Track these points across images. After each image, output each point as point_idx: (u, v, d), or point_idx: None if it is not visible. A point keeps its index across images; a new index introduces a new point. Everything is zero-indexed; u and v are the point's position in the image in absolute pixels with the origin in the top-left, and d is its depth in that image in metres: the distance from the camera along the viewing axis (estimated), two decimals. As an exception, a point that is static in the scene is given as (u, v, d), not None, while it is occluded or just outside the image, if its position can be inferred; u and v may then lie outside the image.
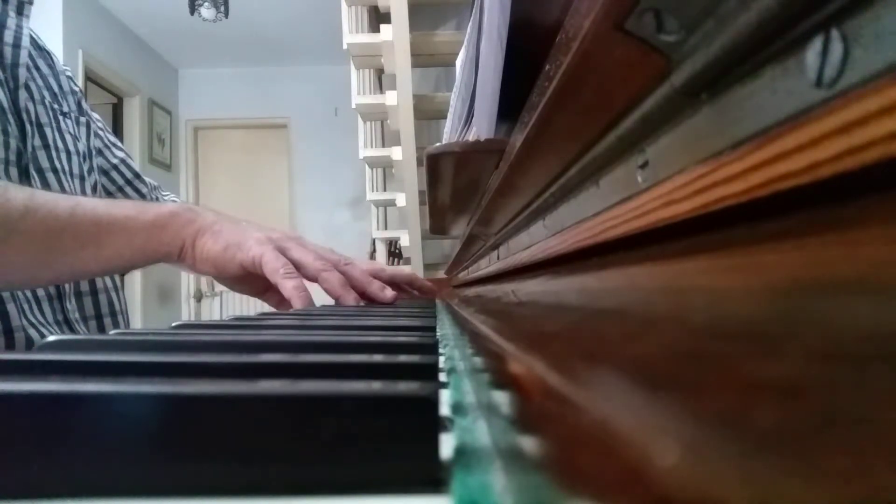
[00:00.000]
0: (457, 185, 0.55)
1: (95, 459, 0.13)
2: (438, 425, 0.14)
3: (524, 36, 0.41)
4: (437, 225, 0.84)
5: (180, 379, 0.15)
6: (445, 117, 0.81)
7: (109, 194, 0.80)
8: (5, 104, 0.62)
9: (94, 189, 0.75)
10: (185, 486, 0.13)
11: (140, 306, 3.88)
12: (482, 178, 0.48)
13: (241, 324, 0.36)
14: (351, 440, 0.13)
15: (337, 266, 0.65)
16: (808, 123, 0.11)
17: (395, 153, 2.09)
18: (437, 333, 0.39)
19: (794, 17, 0.11)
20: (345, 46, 2.35)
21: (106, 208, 0.57)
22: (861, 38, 0.10)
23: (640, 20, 0.15)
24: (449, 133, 0.64)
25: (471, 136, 0.44)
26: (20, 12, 0.67)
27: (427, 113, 2.19)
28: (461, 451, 0.14)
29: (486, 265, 0.71)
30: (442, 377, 0.24)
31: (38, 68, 0.70)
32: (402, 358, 0.20)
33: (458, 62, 0.68)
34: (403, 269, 0.78)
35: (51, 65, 0.73)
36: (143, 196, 0.83)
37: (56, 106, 0.70)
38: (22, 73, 0.65)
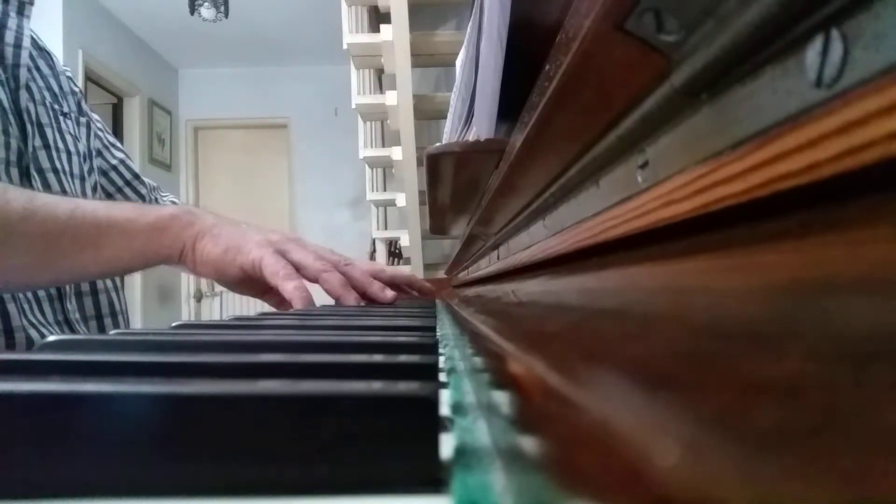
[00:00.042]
0: (457, 185, 0.55)
1: (96, 459, 0.13)
2: (438, 425, 0.14)
3: (524, 36, 0.41)
4: (437, 225, 0.84)
5: (180, 379, 0.15)
6: (445, 117, 0.81)
7: (109, 195, 0.80)
8: (6, 104, 0.62)
9: (95, 189, 0.75)
10: (185, 486, 0.13)
11: (140, 306, 3.88)
12: (482, 178, 0.48)
13: (241, 324, 0.36)
14: (351, 440, 0.13)
15: (337, 266, 0.65)
16: (808, 123, 0.11)
17: (395, 153, 2.09)
18: (437, 333, 0.39)
19: (794, 17, 0.11)
20: (345, 46, 2.35)
21: (106, 211, 0.57)
22: (861, 38, 0.10)
23: (640, 20, 0.15)
24: (449, 133, 0.64)
25: (471, 136, 0.44)
26: (21, 13, 0.67)
27: (427, 113, 2.19)
28: (461, 451, 0.14)
29: (486, 265, 0.71)
30: (442, 377, 0.24)
31: (38, 69, 0.70)
32: (402, 358, 0.20)
33: (458, 62, 0.68)
34: (403, 271, 0.78)
35: (51, 65, 0.73)
36: (142, 197, 0.83)
37: (56, 106, 0.71)
38: (23, 74, 0.65)
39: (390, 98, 2.05)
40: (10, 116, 0.62)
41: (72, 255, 0.54)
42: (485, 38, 0.42)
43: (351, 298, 0.64)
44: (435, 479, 0.13)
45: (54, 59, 0.75)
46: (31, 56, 0.68)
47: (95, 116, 0.81)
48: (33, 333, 0.59)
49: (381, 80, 2.57)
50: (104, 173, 0.80)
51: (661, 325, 0.15)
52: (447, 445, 0.15)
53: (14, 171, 0.61)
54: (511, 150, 0.34)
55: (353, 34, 2.37)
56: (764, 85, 0.12)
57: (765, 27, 0.12)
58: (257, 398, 0.14)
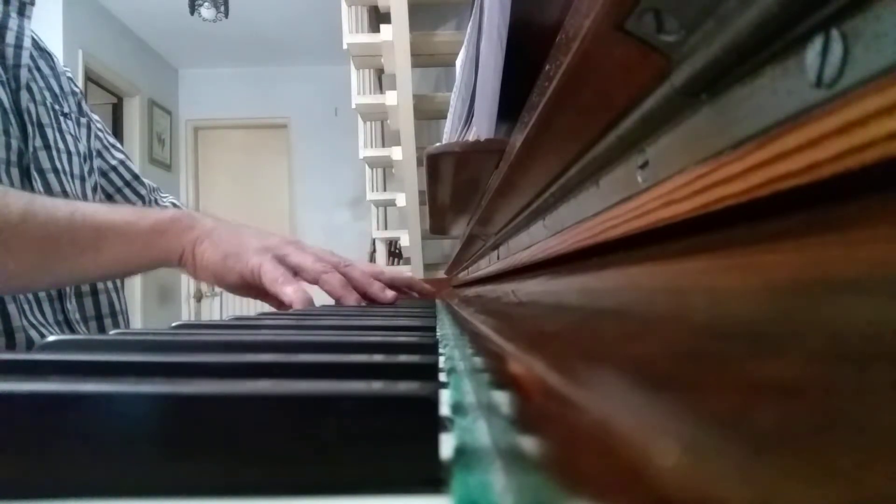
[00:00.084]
0: (457, 185, 0.55)
1: (95, 459, 0.13)
2: (438, 425, 0.14)
3: (524, 36, 0.41)
4: (437, 225, 0.84)
5: (180, 379, 0.15)
6: (445, 117, 0.81)
7: (108, 196, 0.80)
8: (7, 105, 0.62)
9: (95, 190, 0.75)
10: (185, 486, 0.13)
11: (140, 306, 3.88)
12: (482, 178, 0.48)
13: (240, 324, 0.36)
14: (351, 440, 0.13)
15: (337, 268, 0.65)
16: (808, 123, 0.11)
17: (395, 153, 2.09)
18: (437, 333, 0.39)
19: (794, 17, 0.11)
20: (345, 46, 2.35)
21: (105, 214, 0.57)
22: (861, 38, 0.10)
23: (640, 20, 0.15)
24: (449, 133, 0.64)
25: (471, 136, 0.44)
26: (22, 13, 0.67)
27: (427, 113, 2.19)
28: (461, 451, 0.14)
29: (486, 265, 0.71)
30: (442, 377, 0.24)
31: (39, 69, 0.70)
32: (402, 358, 0.20)
33: (458, 62, 0.68)
34: (403, 273, 0.78)
35: (52, 66, 0.73)
36: (141, 198, 0.83)
37: (57, 107, 0.71)
38: (23, 74, 0.65)
39: (390, 98, 2.05)
40: (11, 117, 0.62)
41: (71, 259, 0.54)
42: (485, 38, 0.42)
43: (351, 299, 0.64)
44: (435, 479, 0.13)
45: (55, 59, 0.75)
46: (31, 56, 0.68)
47: (95, 117, 0.81)
48: (33, 334, 0.59)
49: (381, 80, 2.57)
50: (104, 174, 0.80)
51: (661, 325, 0.15)
52: (447, 445, 0.15)
53: (14, 172, 0.62)
54: (511, 150, 0.34)
55: (353, 34, 2.37)
56: (764, 85, 0.12)
57: (765, 27, 0.12)
58: (257, 398, 0.14)
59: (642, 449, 0.09)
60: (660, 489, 0.08)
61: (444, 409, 0.19)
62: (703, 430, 0.09)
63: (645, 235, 0.19)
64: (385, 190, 2.90)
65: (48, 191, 0.65)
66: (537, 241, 0.38)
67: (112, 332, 0.28)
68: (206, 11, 3.44)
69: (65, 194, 0.66)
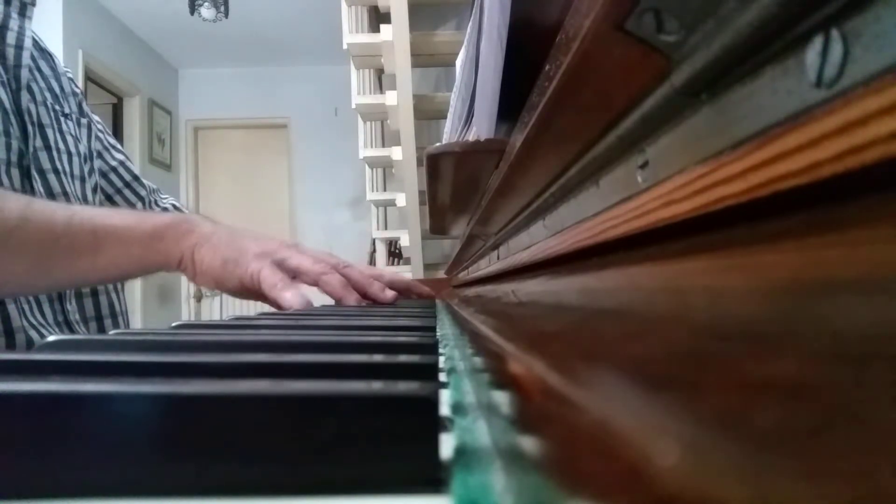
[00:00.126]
0: (457, 185, 0.55)
1: (95, 459, 0.13)
2: (438, 425, 0.14)
3: (524, 36, 0.41)
4: (437, 225, 0.84)
5: (180, 379, 0.15)
6: (445, 117, 0.81)
7: (108, 196, 0.80)
8: (7, 105, 0.62)
9: (95, 191, 0.75)
10: (185, 486, 0.13)
11: (140, 306, 3.88)
12: (482, 178, 0.48)
13: (240, 324, 0.36)
14: (351, 440, 0.13)
15: (336, 269, 0.65)
16: (808, 123, 0.11)
17: (395, 153, 2.09)
18: (437, 333, 0.39)
19: (794, 17, 0.11)
20: (345, 46, 2.35)
21: (103, 218, 0.57)
22: (861, 38, 0.10)
23: (640, 20, 0.15)
24: (449, 133, 0.64)
25: (471, 136, 0.44)
26: (22, 14, 0.67)
27: (427, 113, 2.19)
28: (461, 451, 0.14)
29: (486, 265, 0.71)
30: (442, 377, 0.24)
31: (39, 70, 0.70)
32: (402, 358, 0.20)
33: (458, 62, 0.68)
34: (402, 275, 0.79)
35: (52, 66, 0.73)
36: (141, 199, 0.83)
37: (57, 107, 0.71)
38: (24, 75, 0.65)
39: (390, 98, 2.05)
40: (12, 117, 0.62)
41: (68, 263, 0.54)
42: (485, 38, 0.42)
43: (352, 299, 0.64)
44: (435, 479, 0.13)
45: (55, 60, 0.75)
46: (32, 57, 0.68)
47: (96, 118, 0.81)
48: (33, 335, 0.59)
49: (381, 80, 2.57)
50: (104, 175, 0.80)
51: (661, 325, 0.15)
52: (447, 445, 0.15)
53: (15, 172, 0.61)
54: (511, 150, 0.34)
55: (353, 34, 2.37)
56: (764, 85, 0.12)
57: (765, 27, 0.12)
58: (257, 398, 0.14)
59: (642, 449, 0.09)
60: (660, 489, 0.08)
61: (444, 409, 0.19)
62: (702, 430, 0.09)
63: (645, 235, 0.19)
64: (385, 190, 2.90)
65: (48, 191, 0.65)
66: (537, 241, 0.38)
67: (112, 332, 0.28)
68: (206, 11, 3.44)
69: (65, 195, 0.66)
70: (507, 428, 0.16)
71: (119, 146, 0.85)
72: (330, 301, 0.66)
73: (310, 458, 0.13)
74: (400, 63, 1.97)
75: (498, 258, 0.60)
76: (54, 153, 0.67)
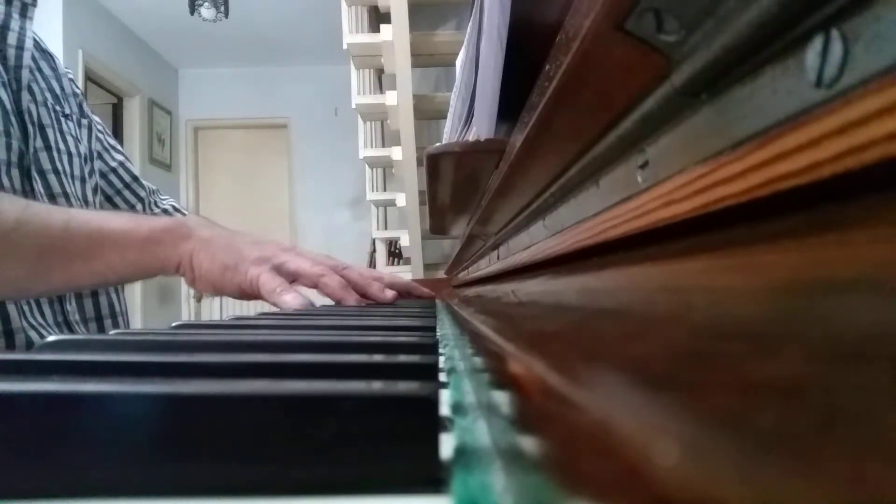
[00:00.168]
0: (457, 185, 0.55)
1: (95, 459, 0.13)
2: (438, 425, 0.14)
3: (524, 36, 0.41)
4: (437, 225, 0.84)
5: (180, 379, 0.15)
6: (445, 117, 0.81)
7: (108, 197, 0.80)
8: (8, 106, 0.62)
9: (95, 191, 0.75)
10: (185, 486, 0.13)
11: (140, 306, 3.88)
12: (482, 178, 0.48)
13: (240, 324, 0.36)
14: (351, 440, 0.13)
15: (335, 270, 0.65)
16: (808, 123, 0.11)
17: (395, 153, 2.09)
18: (437, 333, 0.39)
19: (794, 17, 0.11)
20: (345, 46, 2.35)
21: (100, 222, 0.57)
22: (861, 38, 0.10)
23: (640, 20, 0.15)
24: (449, 133, 0.64)
25: (471, 136, 0.44)
26: (23, 14, 0.67)
27: (427, 113, 2.19)
28: (461, 451, 0.14)
29: (486, 265, 0.71)
30: (442, 377, 0.24)
31: (40, 70, 0.70)
32: (402, 358, 0.20)
33: (458, 62, 0.68)
34: (402, 277, 0.79)
35: (53, 67, 0.73)
36: (141, 200, 0.83)
37: (58, 108, 0.71)
38: (25, 75, 0.65)
39: (390, 98, 2.05)
40: (12, 118, 0.62)
41: (65, 267, 0.54)
42: (485, 38, 0.42)
43: (351, 299, 0.64)
44: (435, 479, 0.13)
45: (56, 60, 0.75)
46: (33, 58, 0.68)
47: (96, 118, 0.81)
48: (33, 335, 0.59)
49: (381, 80, 2.57)
50: (103, 175, 0.80)
51: (661, 325, 0.15)
52: (447, 445, 0.15)
53: (15, 173, 0.61)
54: (511, 150, 0.34)
55: (353, 34, 2.37)
56: (764, 85, 0.12)
57: (765, 27, 0.12)
58: (257, 398, 0.14)
59: (642, 449, 0.09)
60: (660, 489, 0.08)
61: (444, 409, 0.19)
62: (702, 429, 0.09)
63: (645, 235, 0.19)
64: (385, 190, 2.90)
65: (49, 192, 0.65)
66: (537, 241, 0.38)
67: (112, 333, 0.28)
68: (206, 11, 3.44)
69: (65, 196, 0.66)
70: (507, 428, 0.16)
71: (119, 147, 0.85)
72: (330, 303, 0.66)
73: (310, 458, 0.13)
74: (400, 63, 1.97)
75: (498, 258, 0.60)
76: (55, 154, 0.67)
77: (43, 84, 0.69)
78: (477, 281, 0.82)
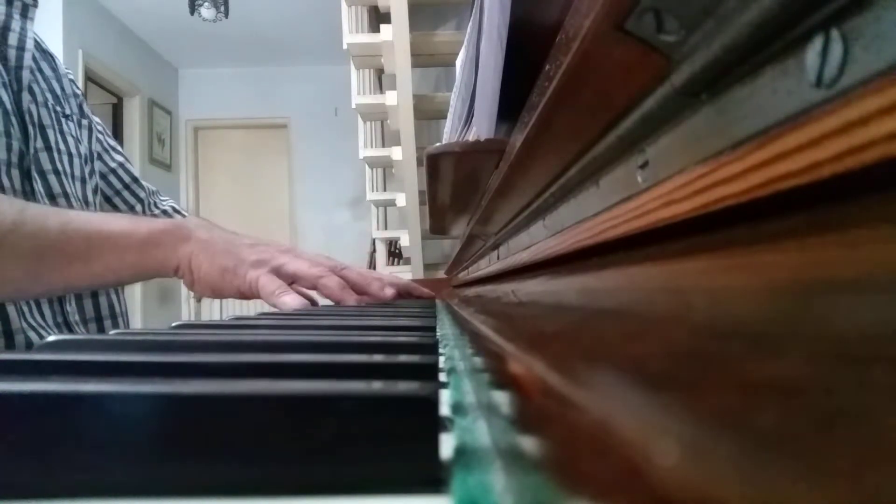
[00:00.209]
0: (457, 185, 0.55)
1: (95, 459, 0.13)
2: (438, 425, 0.14)
3: (524, 36, 0.41)
4: (437, 225, 0.84)
5: (180, 379, 0.15)
6: (445, 117, 0.82)
7: (107, 198, 0.80)
8: (9, 106, 0.62)
9: (95, 192, 0.75)
10: (185, 486, 0.13)
11: (140, 307, 3.88)
12: (482, 178, 0.48)
13: (240, 324, 0.36)
14: (351, 440, 0.13)
15: (334, 271, 0.65)
16: (808, 123, 0.11)
17: (395, 153, 2.09)
18: (437, 333, 0.39)
19: (794, 17, 0.11)
20: (345, 46, 2.35)
21: (98, 224, 0.57)
22: (861, 38, 0.10)
23: (640, 20, 0.15)
24: (449, 133, 0.64)
25: (471, 136, 0.44)
26: (24, 15, 0.67)
27: (427, 113, 2.19)
28: (461, 451, 0.14)
29: (486, 265, 0.71)
30: (442, 377, 0.24)
31: (41, 71, 0.70)
32: (402, 358, 0.20)
33: (458, 62, 0.68)
34: (401, 278, 0.79)
35: (54, 67, 0.73)
36: (140, 201, 0.83)
37: (58, 108, 0.71)
38: (25, 76, 0.65)
39: (390, 98, 2.05)
40: (13, 118, 0.62)
41: (62, 269, 0.54)
42: (485, 38, 0.42)
43: (351, 300, 0.64)
44: (435, 479, 0.13)
45: (57, 61, 0.75)
46: (34, 58, 0.68)
47: (96, 119, 0.81)
48: (33, 336, 0.59)
49: (381, 80, 2.57)
50: (103, 176, 0.80)
51: (661, 325, 0.15)
52: (447, 445, 0.15)
53: (15, 173, 0.61)
54: (511, 150, 0.34)
55: (353, 34, 2.37)
56: (764, 85, 0.12)
57: (765, 27, 0.12)
58: (257, 398, 0.14)
59: (642, 449, 0.09)
60: (660, 489, 0.08)
61: (444, 409, 0.19)
62: (702, 430, 0.09)
63: (645, 235, 0.19)
64: (385, 190, 2.90)
65: (49, 192, 0.64)
66: (537, 241, 0.38)
67: (112, 333, 0.28)
68: (206, 11, 3.44)
69: (65, 196, 0.66)
70: (507, 428, 0.16)
71: (119, 148, 0.85)
72: (329, 303, 0.66)
73: (310, 458, 0.13)
74: (400, 63, 1.97)
75: (498, 258, 0.60)
76: (55, 154, 0.67)
77: (44, 85, 0.69)
78: (477, 281, 0.82)
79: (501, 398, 0.19)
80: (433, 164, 0.48)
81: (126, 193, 0.82)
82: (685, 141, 0.16)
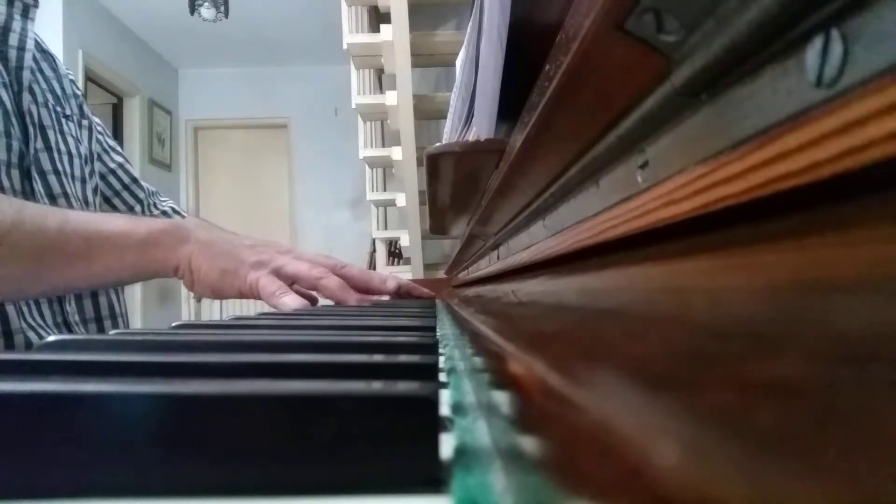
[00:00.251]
0: (457, 185, 0.55)
1: (95, 459, 0.13)
2: (438, 425, 0.14)
3: (524, 36, 0.41)
4: (437, 225, 0.84)
5: (180, 379, 0.15)
6: (445, 117, 0.82)
7: (106, 199, 0.80)
8: (9, 107, 0.62)
9: (95, 192, 0.75)
10: (185, 486, 0.13)
11: (140, 307, 3.88)
12: (482, 178, 0.48)
13: (240, 324, 0.36)
14: (351, 440, 0.13)
15: (334, 271, 0.65)
16: (808, 123, 0.11)
17: (395, 153, 2.10)
18: (437, 333, 0.39)
19: (794, 17, 0.11)
20: (345, 46, 2.35)
21: (97, 224, 0.57)
22: (861, 38, 0.10)
23: (640, 20, 0.15)
24: (449, 133, 0.64)
25: (471, 136, 0.44)
26: (25, 15, 0.67)
27: (427, 113, 2.19)
28: (461, 451, 0.14)
29: (486, 265, 0.71)
30: (442, 377, 0.24)
31: (41, 71, 0.70)
32: (402, 358, 0.20)
33: (458, 62, 0.68)
34: (401, 278, 0.79)
35: (54, 68, 0.73)
36: (140, 201, 0.83)
37: (59, 109, 0.71)
38: (26, 76, 0.65)
39: (390, 98, 2.05)
40: (13, 118, 0.62)
41: (61, 269, 0.54)
42: (485, 38, 0.42)
43: (352, 299, 0.64)
44: (435, 479, 0.13)
45: (57, 61, 0.75)
46: (34, 59, 0.68)
47: (96, 120, 0.81)
48: (32, 336, 0.58)
49: (381, 80, 2.58)
50: (102, 177, 0.80)
51: (661, 325, 0.15)
52: (447, 445, 0.15)
53: (15, 173, 0.61)
54: (511, 150, 0.34)
55: (353, 34, 2.38)
56: (764, 85, 0.12)
57: (765, 27, 0.12)
58: (257, 398, 0.14)
59: (642, 449, 0.09)
60: (660, 489, 0.08)
61: (444, 409, 0.19)
62: (702, 430, 0.09)
63: (645, 235, 0.19)
64: (385, 190, 2.90)
65: (49, 193, 0.64)
66: (537, 241, 0.38)
67: (112, 333, 0.28)
68: (206, 11, 3.44)
69: (66, 196, 0.66)
70: (507, 428, 0.16)
71: (118, 148, 0.85)
72: (330, 303, 0.66)
73: (310, 458, 0.13)
74: (400, 63, 1.97)
75: (498, 258, 0.60)
76: (55, 154, 0.67)
77: (44, 85, 0.69)
78: (477, 281, 0.82)
79: (501, 398, 0.19)
80: (433, 164, 0.48)
81: (125, 194, 0.82)
82: (685, 141, 0.16)
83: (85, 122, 0.77)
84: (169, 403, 0.14)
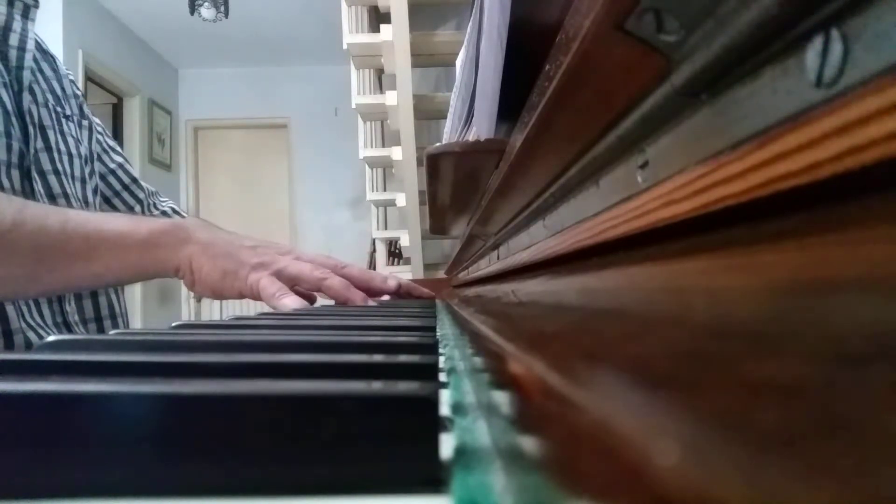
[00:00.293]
0: (457, 185, 0.55)
1: (95, 459, 0.13)
2: (438, 425, 0.14)
3: (524, 36, 0.41)
4: (437, 225, 0.84)
5: (180, 379, 0.15)
6: (445, 117, 0.82)
7: (106, 199, 0.80)
8: (9, 107, 0.62)
9: (95, 192, 0.75)
10: (185, 486, 0.13)
11: (140, 307, 3.88)
12: (482, 178, 0.48)
13: (240, 324, 0.36)
14: (351, 440, 0.13)
15: (335, 271, 0.65)
16: (808, 123, 0.11)
17: (395, 153, 2.10)
18: (437, 333, 0.39)
19: (794, 17, 0.11)
20: (345, 46, 2.35)
21: (98, 224, 0.57)
22: (861, 38, 0.10)
23: (640, 20, 0.15)
24: (449, 133, 0.64)
25: (471, 136, 0.44)
26: (25, 15, 0.67)
27: (427, 113, 2.19)
28: (461, 451, 0.14)
29: (486, 265, 0.71)
30: (442, 377, 0.24)
31: (42, 71, 0.70)
32: (402, 358, 0.20)
33: (458, 62, 0.68)
34: (401, 278, 0.80)
35: (54, 68, 0.73)
36: (139, 201, 0.83)
37: (59, 109, 0.71)
38: (26, 76, 0.65)
39: (390, 98, 2.05)
40: (13, 118, 0.62)
41: (61, 269, 0.54)
42: (485, 38, 0.42)
43: (357, 298, 0.64)
44: (435, 479, 0.13)
45: (57, 62, 0.75)
46: (34, 59, 0.68)
47: (96, 120, 0.81)
48: (32, 336, 0.58)
49: (381, 80, 2.58)
50: (102, 177, 0.80)
51: (660, 326, 0.15)
52: (447, 445, 0.15)
53: (15, 173, 0.61)
54: (511, 150, 0.34)
55: (353, 34, 2.38)
56: (764, 85, 0.12)
57: (765, 27, 0.12)
58: (257, 398, 0.14)
59: (642, 449, 0.09)
60: (660, 489, 0.08)
61: (444, 409, 0.19)
62: (702, 430, 0.09)
63: (645, 235, 0.19)
64: (385, 190, 2.90)
65: (49, 193, 0.65)
66: (537, 241, 0.38)
67: (112, 333, 0.28)
68: (206, 11, 3.44)
69: (66, 196, 0.66)
70: (507, 428, 0.16)
71: (118, 148, 0.85)
72: (330, 303, 0.66)
73: (310, 458, 0.13)
74: (400, 63, 1.97)
75: (498, 258, 0.60)
76: (55, 154, 0.67)
77: (44, 85, 0.69)
78: (477, 281, 0.82)
79: (501, 398, 0.19)
80: (433, 164, 0.48)
81: (125, 194, 0.82)
82: (685, 141, 0.16)
83: (85, 123, 0.77)
84: (169, 403, 0.14)
